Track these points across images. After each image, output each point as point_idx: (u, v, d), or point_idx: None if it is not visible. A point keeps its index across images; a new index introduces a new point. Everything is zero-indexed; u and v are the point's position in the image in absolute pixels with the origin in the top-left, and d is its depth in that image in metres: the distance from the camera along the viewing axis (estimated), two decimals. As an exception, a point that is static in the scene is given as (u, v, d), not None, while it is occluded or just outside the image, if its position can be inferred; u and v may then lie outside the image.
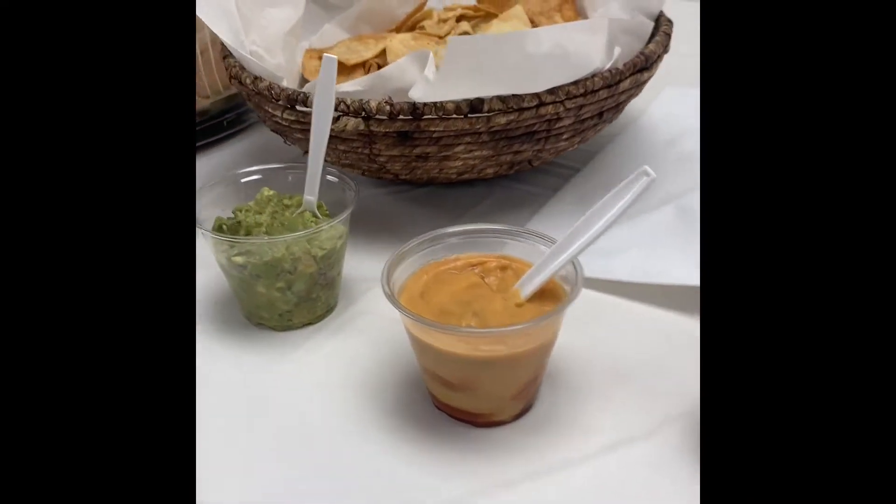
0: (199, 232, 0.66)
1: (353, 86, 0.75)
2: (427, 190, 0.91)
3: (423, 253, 0.61)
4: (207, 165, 0.97)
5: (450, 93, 0.70)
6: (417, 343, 0.56)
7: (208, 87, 1.02)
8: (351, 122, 0.73)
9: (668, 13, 0.88)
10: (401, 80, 0.75)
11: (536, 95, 0.72)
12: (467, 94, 0.70)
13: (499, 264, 0.61)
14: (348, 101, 0.72)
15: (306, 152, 0.84)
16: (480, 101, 0.71)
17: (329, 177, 0.71)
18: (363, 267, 0.76)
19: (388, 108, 0.71)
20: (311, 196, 0.69)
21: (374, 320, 0.70)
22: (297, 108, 0.76)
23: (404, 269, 0.60)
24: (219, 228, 0.68)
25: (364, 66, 0.92)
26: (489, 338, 0.53)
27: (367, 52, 0.93)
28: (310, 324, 0.70)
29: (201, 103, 1.01)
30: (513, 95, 0.71)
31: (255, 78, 0.78)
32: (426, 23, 1.02)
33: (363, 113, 0.72)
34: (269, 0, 0.86)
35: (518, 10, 0.95)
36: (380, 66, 0.89)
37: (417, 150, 0.75)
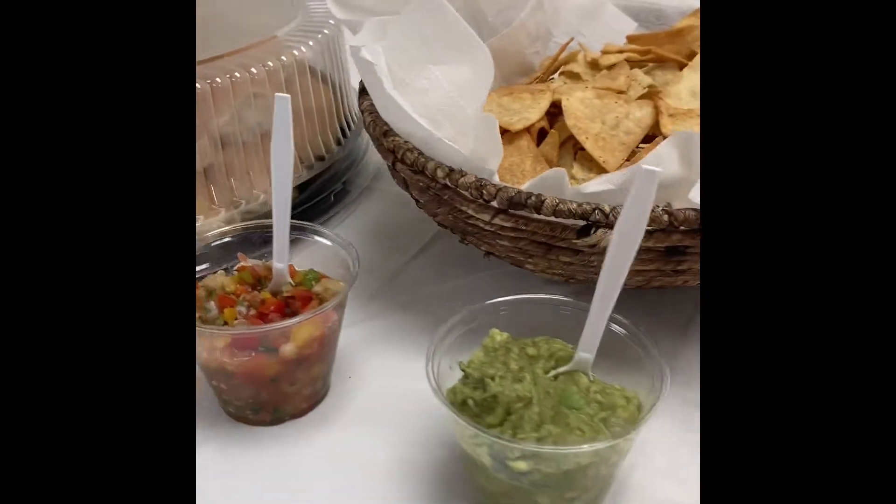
0: (448, 411, 0.46)
1: (600, 185, 0.55)
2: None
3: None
4: (322, 258, 0.75)
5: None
6: None
7: (311, 152, 0.80)
8: (610, 237, 0.53)
9: None
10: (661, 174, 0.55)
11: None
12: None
13: None
14: (606, 209, 0.53)
15: (488, 254, 0.65)
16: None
17: (615, 326, 0.51)
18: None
19: (666, 218, 0.52)
20: (588, 353, 0.49)
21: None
22: (516, 212, 0.56)
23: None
24: (462, 405, 0.48)
25: (529, 131, 0.73)
26: None
27: (531, 112, 0.73)
28: (581, 527, 0.50)
29: (302, 175, 0.79)
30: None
31: (452, 171, 0.57)
32: (573, 66, 0.83)
33: (628, 224, 0.53)
34: (434, 54, 0.64)
35: (709, 55, 0.76)
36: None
37: (684, 266, 0.56)
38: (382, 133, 0.63)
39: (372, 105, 0.67)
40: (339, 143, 0.84)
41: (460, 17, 0.63)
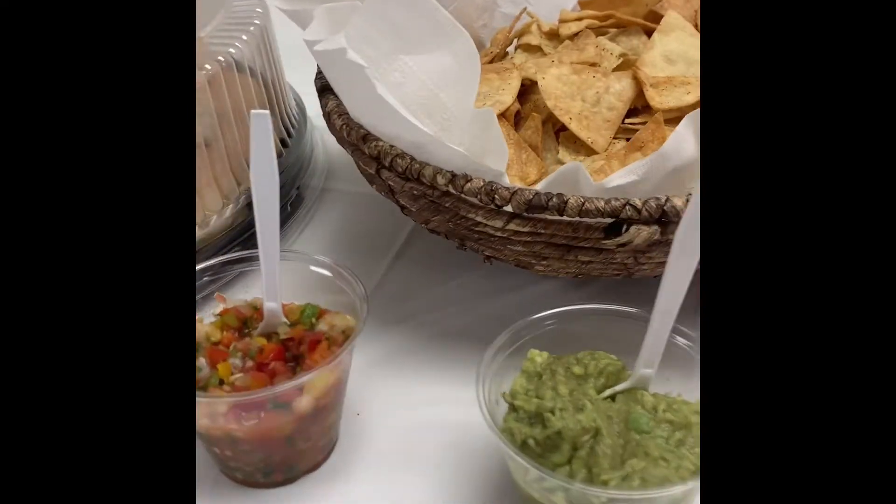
0: (507, 454, 0.41)
1: (623, 177, 0.50)
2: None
3: None
4: (303, 283, 0.67)
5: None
6: None
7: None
8: (644, 233, 0.49)
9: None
10: (680, 156, 0.51)
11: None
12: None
13: None
14: (637, 204, 0.48)
15: (488, 257, 0.59)
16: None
17: (677, 337, 0.46)
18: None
19: (704, 207, 0.48)
20: (649, 369, 0.44)
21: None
22: (533, 215, 0.50)
23: None
24: (523, 445, 0.42)
25: (504, 116, 0.67)
26: None
27: (503, 95, 0.67)
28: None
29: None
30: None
31: (455, 176, 0.51)
32: (529, 39, 0.78)
33: (663, 217, 0.48)
34: (407, 44, 0.57)
35: (676, 18, 0.73)
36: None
37: (712, 253, 0.52)
38: (361, 138, 0.56)
39: (339, 106, 0.59)
40: (285, 145, 0.76)
41: (436, 2, 0.56)
